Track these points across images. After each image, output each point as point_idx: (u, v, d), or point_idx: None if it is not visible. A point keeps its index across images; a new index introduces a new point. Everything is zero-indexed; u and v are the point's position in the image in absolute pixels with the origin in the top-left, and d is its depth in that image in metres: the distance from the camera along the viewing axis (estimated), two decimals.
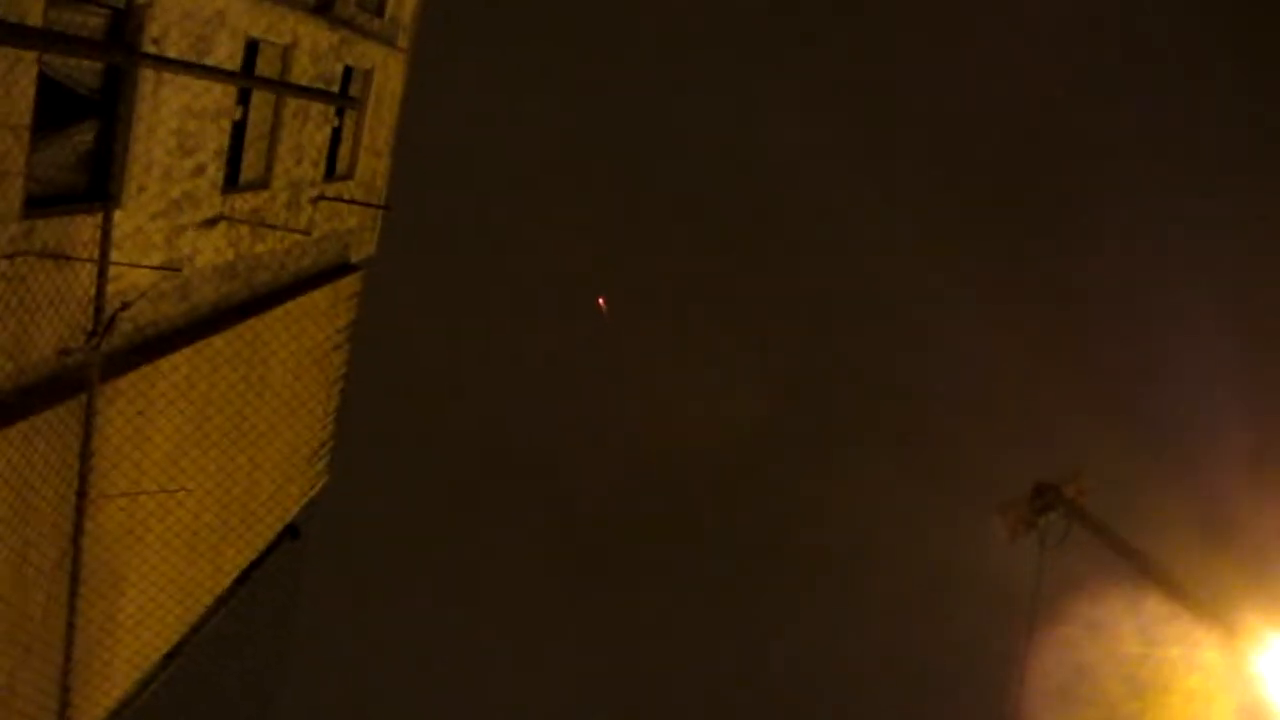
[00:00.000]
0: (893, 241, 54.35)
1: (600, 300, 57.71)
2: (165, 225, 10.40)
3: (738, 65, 55.16)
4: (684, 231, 58.01)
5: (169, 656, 12.84)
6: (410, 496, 54.97)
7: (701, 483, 57.64)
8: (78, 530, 9.04)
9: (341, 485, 19.22)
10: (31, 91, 7.85)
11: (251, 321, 12.72)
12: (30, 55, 7.68)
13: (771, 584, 56.65)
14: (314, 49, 13.25)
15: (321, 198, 15.01)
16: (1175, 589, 7.94)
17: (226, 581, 14.31)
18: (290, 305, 14.01)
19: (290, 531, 17.27)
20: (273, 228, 13.26)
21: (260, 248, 13.11)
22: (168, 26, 9.47)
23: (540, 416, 57.66)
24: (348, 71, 15.30)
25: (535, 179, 55.55)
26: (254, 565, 15.55)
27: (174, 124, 10.08)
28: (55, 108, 8.45)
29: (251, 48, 11.77)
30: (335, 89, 14.52)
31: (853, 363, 56.41)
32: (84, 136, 9.01)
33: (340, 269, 16.76)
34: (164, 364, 10.53)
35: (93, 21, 8.68)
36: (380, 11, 16.05)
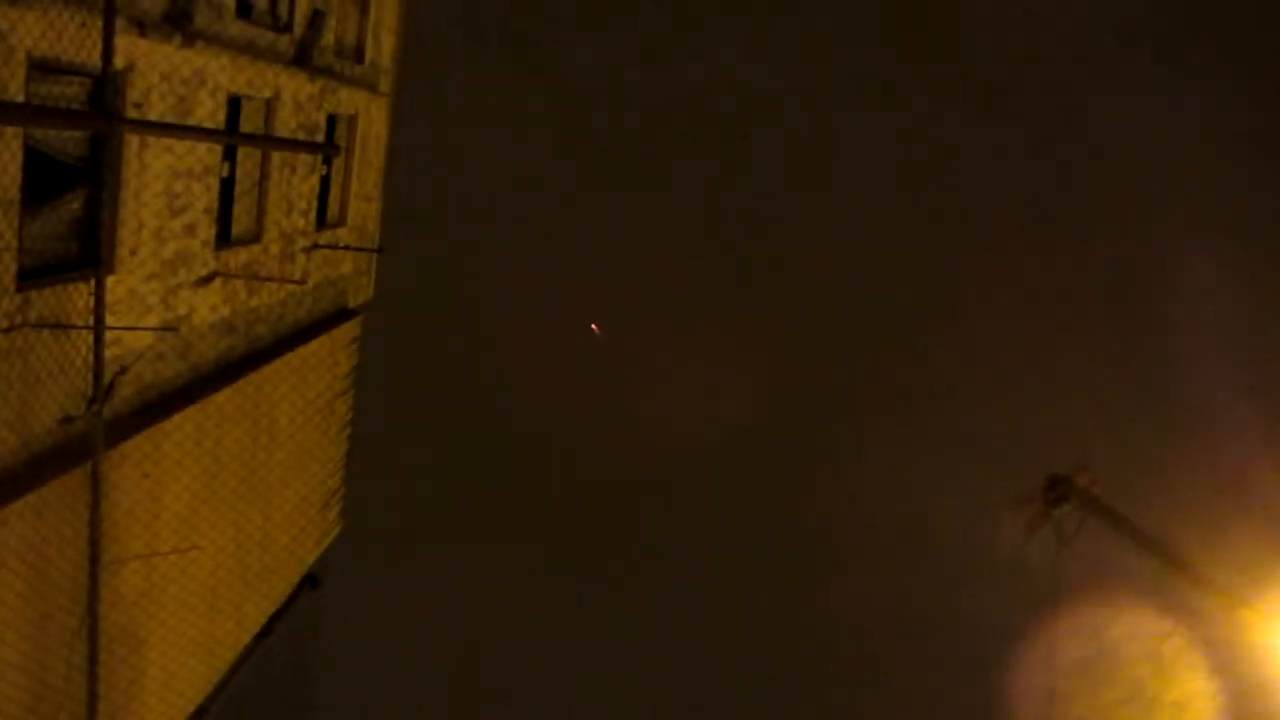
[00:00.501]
0: (908, 230, 54.64)
1: (594, 326, 57.72)
2: (160, 286, 10.46)
3: (741, 59, 55.48)
4: (692, 222, 58.15)
5: (195, 716, 12.81)
6: (423, 509, 55.09)
7: (712, 474, 57.76)
8: (94, 597, 9.04)
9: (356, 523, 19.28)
10: (17, 165, 7.93)
11: (253, 375, 12.76)
12: (14, 130, 7.76)
13: (784, 571, 56.71)
14: (296, 100, 13.36)
15: (315, 246, 15.09)
16: (1192, 571, 7.91)
17: (248, 636, 14.29)
18: (291, 356, 14.06)
19: (309, 581, 17.28)
20: (268, 280, 13.33)
21: (256, 301, 13.17)
22: (148, 90, 9.56)
23: (551, 414, 57.60)
24: (331, 119, 15.41)
25: (532, 182, 55.85)
26: (275, 618, 15.53)
27: (161, 185, 10.16)
28: (42, 178, 8.52)
29: (234, 103, 11.87)
30: (320, 138, 14.63)
31: (866, 351, 56.58)
32: (73, 205, 9.08)
33: (339, 315, 16.83)
34: (168, 425, 10.56)
35: (72, 90, 8.76)
36: (359, 58, 16.19)
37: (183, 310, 11.07)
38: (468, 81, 52.35)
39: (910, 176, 55.09)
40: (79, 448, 8.91)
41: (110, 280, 9.31)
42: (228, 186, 12.15)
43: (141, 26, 9.20)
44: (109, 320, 8.94)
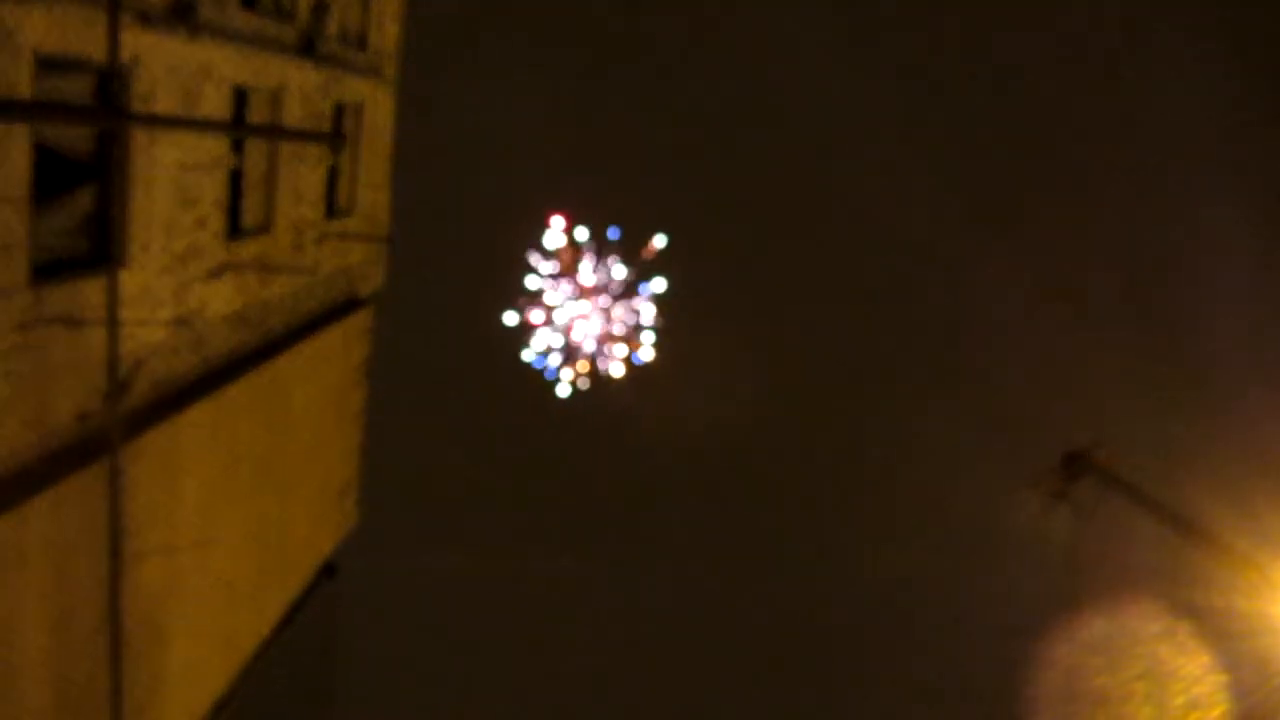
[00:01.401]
0: (926, 212, 54.63)
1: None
2: (172, 280, 10.46)
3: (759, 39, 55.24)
4: (715, 203, 58.02)
5: (218, 707, 12.89)
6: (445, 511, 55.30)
7: (729, 456, 57.94)
8: (115, 591, 9.09)
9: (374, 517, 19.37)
10: (27, 162, 7.91)
11: (267, 367, 12.78)
12: (22, 127, 7.74)
13: (802, 550, 57.02)
14: (302, 90, 13.32)
15: (325, 236, 15.08)
16: (1214, 543, 7.86)
17: (268, 628, 14.36)
18: (304, 347, 14.06)
19: (327, 570, 17.38)
20: (279, 271, 13.33)
21: (268, 292, 13.17)
22: (154, 84, 9.52)
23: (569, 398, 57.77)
24: (338, 108, 15.37)
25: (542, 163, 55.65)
26: (294, 608, 15.62)
27: (171, 179, 10.14)
28: (51, 175, 8.51)
29: (240, 95, 11.84)
30: (327, 127, 14.58)
31: (881, 333, 56.66)
32: (83, 201, 9.08)
33: (350, 305, 16.83)
34: (184, 418, 10.58)
35: (79, 86, 8.74)
36: (363, 45, 16.12)
37: (195, 304, 11.07)
38: (474, 63, 52.21)
39: (926, 158, 54.95)
40: (96, 443, 8.93)
41: (123, 275, 9.31)
42: (237, 178, 12.13)
43: (146, 19, 9.17)
44: (122, 315, 8.95)
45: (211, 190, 11.07)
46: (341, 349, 16.01)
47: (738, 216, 57.90)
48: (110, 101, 8.34)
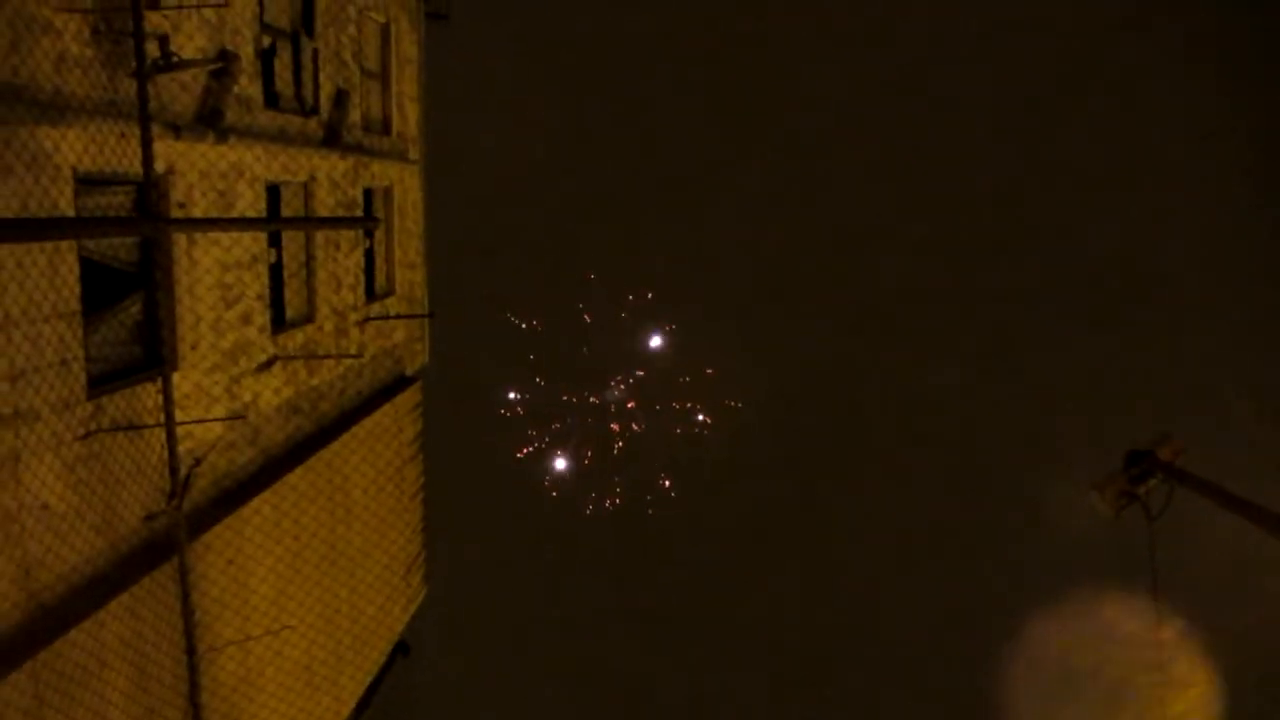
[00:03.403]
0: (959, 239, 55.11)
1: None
2: (223, 377, 10.70)
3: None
4: (752, 221, 58.70)
5: None
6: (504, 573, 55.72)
7: (808, 478, 58.35)
8: (194, 687, 9.19)
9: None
10: (75, 278, 8.19)
11: (323, 452, 12.96)
12: (68, 243, 8.03)
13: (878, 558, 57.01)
14: (331, 179, 13.65)
15: (367, 319, 15.34)
16: None
17: (347, 710, 14.39)
18: (357, 429, 14.25)
19: (401, 648, 17.40)
20: (325, 358, 13.57)
21: (317, 379, 13.40)
22: (190, 189, 9.84)
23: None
24: (368, 193, 15.71)
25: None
26: (372, 688, 15.64)
27: (213, 279, 10.42)
28: (99, 287, 8.79)
29: (272, 191, 12.17)
30: (358, 212, 14.91)
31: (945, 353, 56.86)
32: (131, 309, 9.35)
33: (398, 383, 17.05)
34: (246, 511, 10.75)
35: (119, 199, 9.05)
36: (386, 130, 16.51)
37: (248, 397, 11.30)
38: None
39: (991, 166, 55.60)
40: (164, 543, 9.10)
41: (175, 377, 9.54)
42: (276, 272, 12.42)
43: (177, 130, 9.49)
44: (178, 416, 9.15)
45: (253, 286, 11.35)
46: (394, 427, 16.19)
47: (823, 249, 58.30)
48: (149, 210, 8.61)
